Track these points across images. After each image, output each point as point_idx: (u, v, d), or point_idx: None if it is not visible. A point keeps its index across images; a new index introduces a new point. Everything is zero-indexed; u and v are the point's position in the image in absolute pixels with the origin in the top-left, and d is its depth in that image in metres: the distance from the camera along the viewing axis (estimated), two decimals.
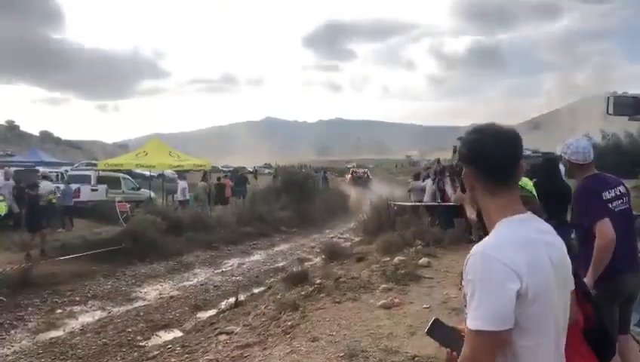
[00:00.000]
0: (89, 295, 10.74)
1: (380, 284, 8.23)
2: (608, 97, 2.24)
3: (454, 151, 14.03)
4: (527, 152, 15.53)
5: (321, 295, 8.18)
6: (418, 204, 16.19)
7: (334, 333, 6.16)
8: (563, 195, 5.22)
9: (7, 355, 7.57)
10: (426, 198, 15.25)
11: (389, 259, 10.29)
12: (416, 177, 17.98)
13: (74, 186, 17.96)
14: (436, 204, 14.24)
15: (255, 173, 38.17)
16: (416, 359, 5.13)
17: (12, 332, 8.52)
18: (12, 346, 7.95)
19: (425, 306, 6.87)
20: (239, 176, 29.03)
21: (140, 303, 10.46)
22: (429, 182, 15.61)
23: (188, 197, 21.68)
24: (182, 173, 23.61)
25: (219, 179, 24.54)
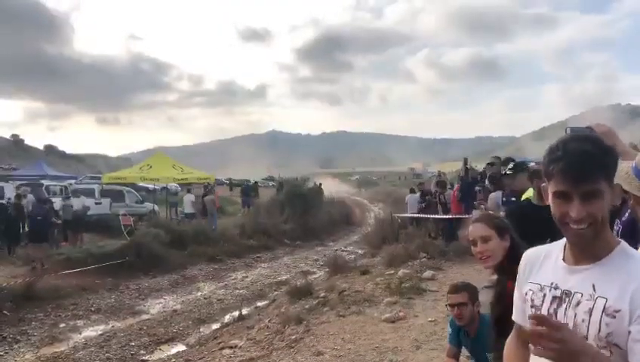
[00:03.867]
0: (92, 309, 10.71)
1: (384, 298, 8.20)
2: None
3: (465, 163, 13.94)
4: (531, 163, 15.48)
5: (325, 308, 8.16)
6: (420, 216, 16.22)
7: (339, 347, 6.14)
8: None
9: None
10: (411, 211, 16.99)
11: (393, 272, 10.26)
12: (412, 191, 18.97)
13: (75, 201, 17.82)
14: (441, 217, 14.21)
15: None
16: None
17: (15, 346, 8.50)
18: (15, 360, 7.92)
19: (430, 320, 6.84)
20: (247, 187, 31.72)
21: (143, 317, 10.43)
22: (415, 196, 17.55)
23: (195, 210, 21.70)
24: (189, 187, 23.67)
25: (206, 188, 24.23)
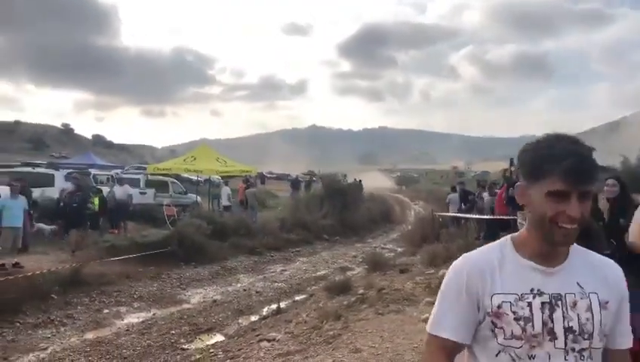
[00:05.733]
0: (135, 296, 10.96)
1: (424, 297, 8.10)
2: None
3: (511, 164, 13.50)
4: None
5: (364, 305, 8.12)
6: (463, 216, 15.98)
7: (377, 345, 6.08)
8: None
9: (57, 352, 7.80)
10: (451, 210, 16.94)
11: (433, 271, 10.14)
12: (454, 189, 18.61)
13: (118, 190, 18.07)
14: (484, 217, 13.96)
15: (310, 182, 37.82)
16: None
17: (62, 329, 8.78)
18: (62, 343, 8.18)
19: None
20: (296, 181, 37.39)
21: (184, 306, 10.60)
22: (455, 196, 17.45)
23: (231, 202, 21.96)
24: (225, 179, 24.00)
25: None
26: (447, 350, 1.50)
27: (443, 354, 1.51)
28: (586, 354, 1.42)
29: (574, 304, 1.43)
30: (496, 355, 1.44)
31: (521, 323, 1.42)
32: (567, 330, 1.42)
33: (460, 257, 1.55)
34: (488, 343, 1.46)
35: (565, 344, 1.41)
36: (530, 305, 1.42)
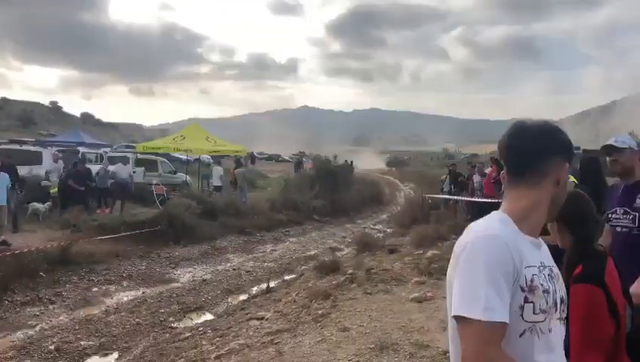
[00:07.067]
0: (124, 275, 10.96)
1: (412, 277, 8.16)
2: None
3: None
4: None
5: (353, 285, 8.16)
6: (452, 197, 16.05)
7: (365, 324, 6.13)
8: None
9: (46, 329, 7.80)
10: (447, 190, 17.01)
11: (422, 252, 10.19)
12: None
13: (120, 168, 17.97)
14: (474, 199, 14.03)
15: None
16: (447, 354, 5.04)
17: (50, 307, 8.77)
18: (50, 321, 8.18)
19: None
20: (299, 161, 37.51)
21: (173, 285, 10.61)
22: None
23: (223, 182, 21.90)
24: (217, 159, 23.90)
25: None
26: (501, 338, 1.31)
27: (500, 345, 1.30)
28: (565, 320, 1.49)
29: (557, 275, 1.50)
30: (521, 335, 1.36)
31: (546, 295, 1.39)
32: (560, 300, 1.46)
33: (484, 228, 1.43)
34: (513, 322, 1.33)
35: (560, 314, 1.46)
36: (546, 276, 1.42)
